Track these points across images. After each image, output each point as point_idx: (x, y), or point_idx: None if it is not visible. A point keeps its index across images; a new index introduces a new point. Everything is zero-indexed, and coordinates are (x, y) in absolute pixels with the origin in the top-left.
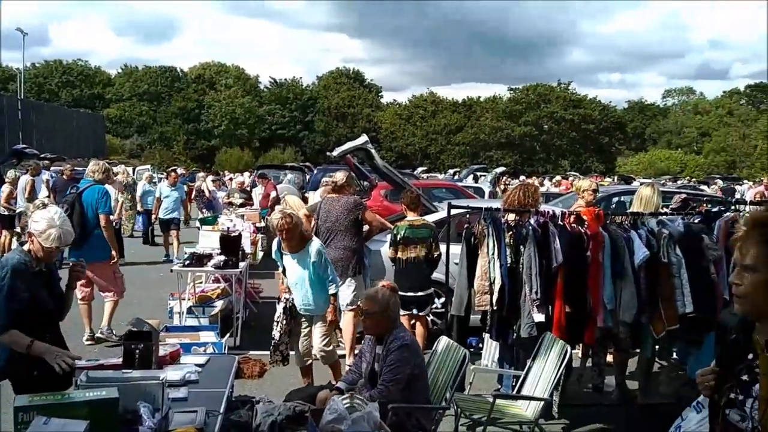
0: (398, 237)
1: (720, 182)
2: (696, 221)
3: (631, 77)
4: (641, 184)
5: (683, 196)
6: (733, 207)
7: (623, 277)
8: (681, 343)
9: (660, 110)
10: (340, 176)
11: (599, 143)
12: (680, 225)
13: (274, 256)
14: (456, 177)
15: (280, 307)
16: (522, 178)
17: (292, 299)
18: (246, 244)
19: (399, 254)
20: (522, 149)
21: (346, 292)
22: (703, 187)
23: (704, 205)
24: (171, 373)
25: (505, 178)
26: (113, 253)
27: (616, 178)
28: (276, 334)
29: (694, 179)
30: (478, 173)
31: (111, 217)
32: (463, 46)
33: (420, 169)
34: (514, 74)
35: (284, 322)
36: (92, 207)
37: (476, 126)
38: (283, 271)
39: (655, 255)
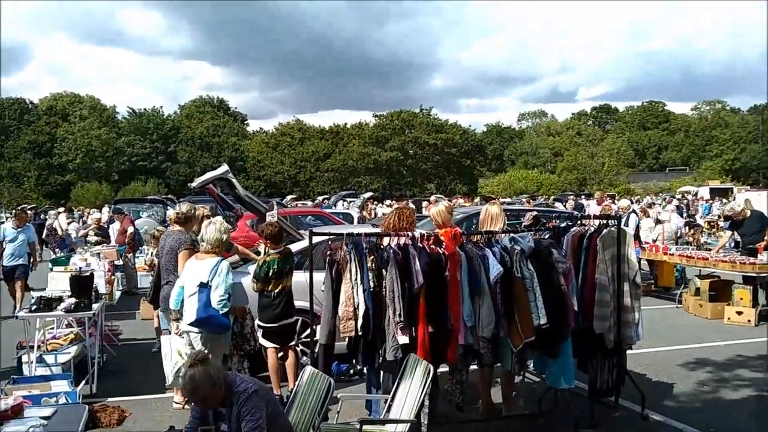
0: (270, 272)
1: (572, 199)
2: (546, 237)
3: (488, 102)
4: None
5: (534, 213)
6: (579, 222)
7: (481, 294)
8: (538, 354)
9: (516, 133)
10: (184, 208)
11: (462, 166)
12: (531, 241)
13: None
14: (325, 204)
15: None
16: (387, 202)
17: None
18: (100, 284)
19: (270, 287)
20: (389, 174)
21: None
22: (557, 204)
23: (553, 221)
24: (12, 429)
25: (370, 203)
26: None
27: (479, 198)
28: None
29: (551, 197)
30: (348, 199)
31: None
32: (327, 73)
33: (289, 197)
34: (378, 100)
35: None
36: None
37: (344, 152)
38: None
39: (509, 271)
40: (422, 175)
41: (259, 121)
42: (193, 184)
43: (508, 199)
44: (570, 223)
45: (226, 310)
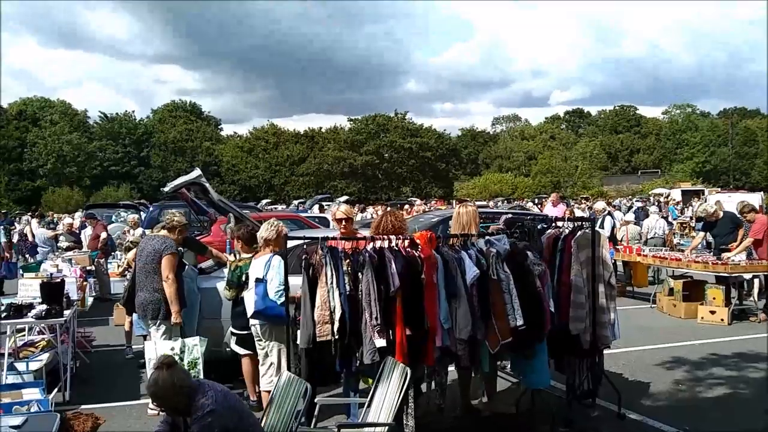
0: (243, 276)
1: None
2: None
3: (462, 106)
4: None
5: (509, 216)
6: (554, 224)
7: (457, 296)
8: (515, 355)
9: (490, 137)
10: (177, 217)
11: (437, 169)
12: (506, 243)
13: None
14: (300, 208)
15: None
16: (361, 207)
17: None
18: (72, 290)
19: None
20: (365, 178)
21: (156, 336)
22: (531, 206)
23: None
24: None
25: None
26: None
27: (455, 201)
28: None
29: (526, 200)
30: (323, 203)
31: None
32: (301, 78)
33: (264, 201)
34: (353, 105)
35: None
36: None
37: (319, 156)
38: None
39: (485, 273)
40: (398, 178)
41: (233, 125)
42: (166, 189)
43: (482, 202)
44: (545, 226)
45: (282, 299)
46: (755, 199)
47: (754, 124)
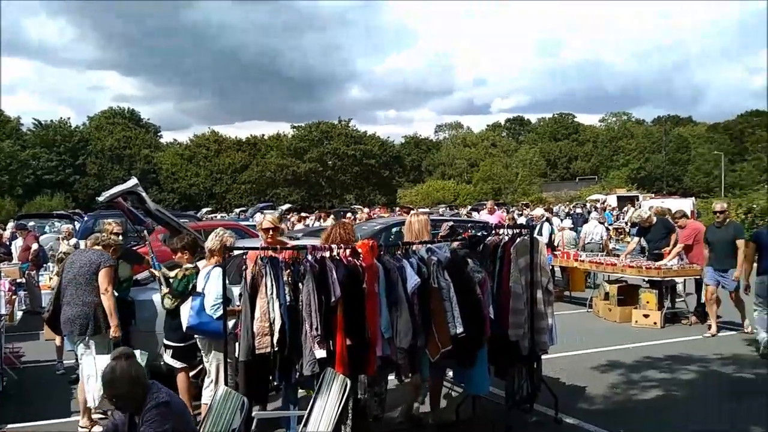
0: (189, 286)
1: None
2: (461, 246)
3: (406, 113)
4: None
5: (450, 223)
6: (494, 231)
7: (398, 305)
8: (455, 362)
9: (433, 144)
10: (115, 238)
11: (381, 177)
12: (447, 251)
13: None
14: (242, 216)
15: None
16: (303, 214)
17: None
18: (0, 304)
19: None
20: (308, 185)
21: (86, 354)
22: (474, 213)
23: (469, 231)
24: None
25: (290, 214)
26: None
27: (398, 209)
28: None
29: (468, 207)
30: (266, 211)
31: None
32: (242, 85)
33: (204, 210)
34: (296, 111)
35: None
36: None
37: (261, 164)
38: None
39: (426, 281)
40: (341, 186)
41: (172, 133)
42: (101, 198)
43: (426, 209)
44: (485, 233)
45: (219, 313)
46: (687, 204)
47: (687, 131)
